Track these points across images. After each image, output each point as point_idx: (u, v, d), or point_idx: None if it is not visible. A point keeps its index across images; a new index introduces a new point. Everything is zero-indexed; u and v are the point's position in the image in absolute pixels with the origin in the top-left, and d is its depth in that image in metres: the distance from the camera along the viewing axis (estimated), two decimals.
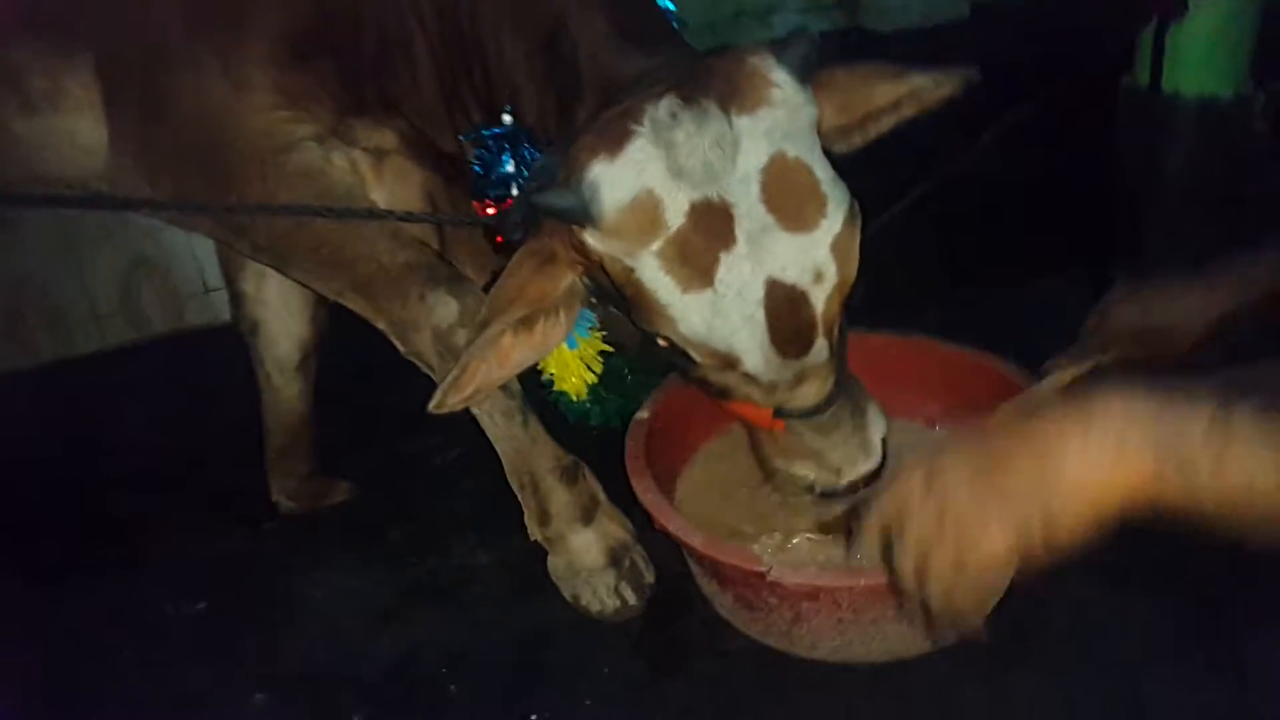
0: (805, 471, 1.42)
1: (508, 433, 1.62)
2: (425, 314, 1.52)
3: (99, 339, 2.82)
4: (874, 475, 1.41)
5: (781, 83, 1.20)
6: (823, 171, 1.21)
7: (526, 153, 1.43)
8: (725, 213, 1.16)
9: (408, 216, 1.52)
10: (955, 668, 1.51)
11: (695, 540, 1.41)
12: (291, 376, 1.99)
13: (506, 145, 1.40)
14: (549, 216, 1.26)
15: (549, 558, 1.72)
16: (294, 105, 1.47)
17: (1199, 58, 2.19)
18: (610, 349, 1.71)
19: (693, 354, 1.25)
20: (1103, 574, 1.58)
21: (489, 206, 1.44)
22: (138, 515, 2.08)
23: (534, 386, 1.72)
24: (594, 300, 1.42)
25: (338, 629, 1.77)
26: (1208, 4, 2.12)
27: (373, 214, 1.48)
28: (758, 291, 1.18)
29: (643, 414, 1.70)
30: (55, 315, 2.76)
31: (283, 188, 1.47)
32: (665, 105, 1.15)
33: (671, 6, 1.61)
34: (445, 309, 1.51)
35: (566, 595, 1.71)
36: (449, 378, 1.28)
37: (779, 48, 1.22)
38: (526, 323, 1.30)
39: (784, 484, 1.48)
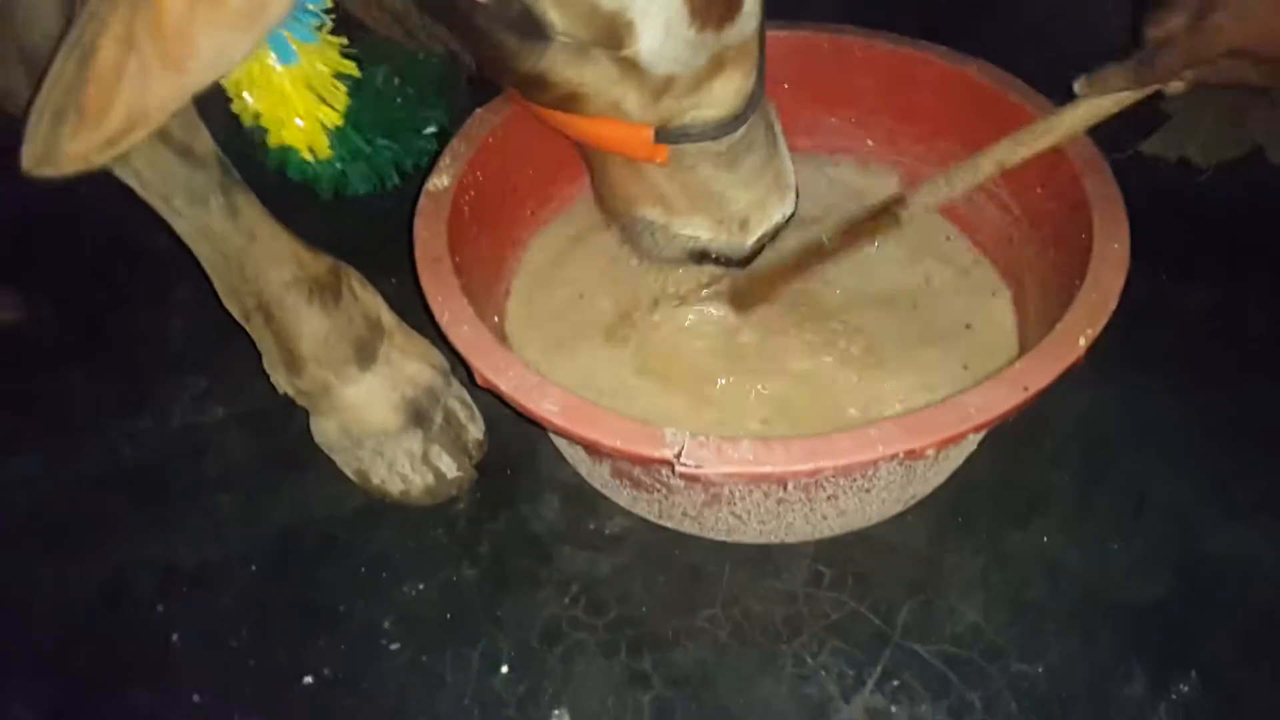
0: (694, 230, 0.95)
1: (202, 227, 0.93)
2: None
3: None
4: (783, 226, 0.98)
5: None
6: None
7: None
8: None
9: None
10: (934, 532, 1.07)
11: (547, 408, 0.80)
12: None
13: None
14: None
15: (311, 420, 1.09)
16: None
17: None
18: (355, 65, 1.02)
19: (550, 17, 0.70)
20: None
21: None
22: None
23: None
24: None
25: None
26: None
27: None
28: None
29: (440, 180, 1.02)
30: None
31: None
32: None
33: None
34: (35, 9, 0.78)
35: (349, 473, 1.10)
36: (51, 86, 0.59)
37: None
38: None
39: (658, 251, 0.99)
